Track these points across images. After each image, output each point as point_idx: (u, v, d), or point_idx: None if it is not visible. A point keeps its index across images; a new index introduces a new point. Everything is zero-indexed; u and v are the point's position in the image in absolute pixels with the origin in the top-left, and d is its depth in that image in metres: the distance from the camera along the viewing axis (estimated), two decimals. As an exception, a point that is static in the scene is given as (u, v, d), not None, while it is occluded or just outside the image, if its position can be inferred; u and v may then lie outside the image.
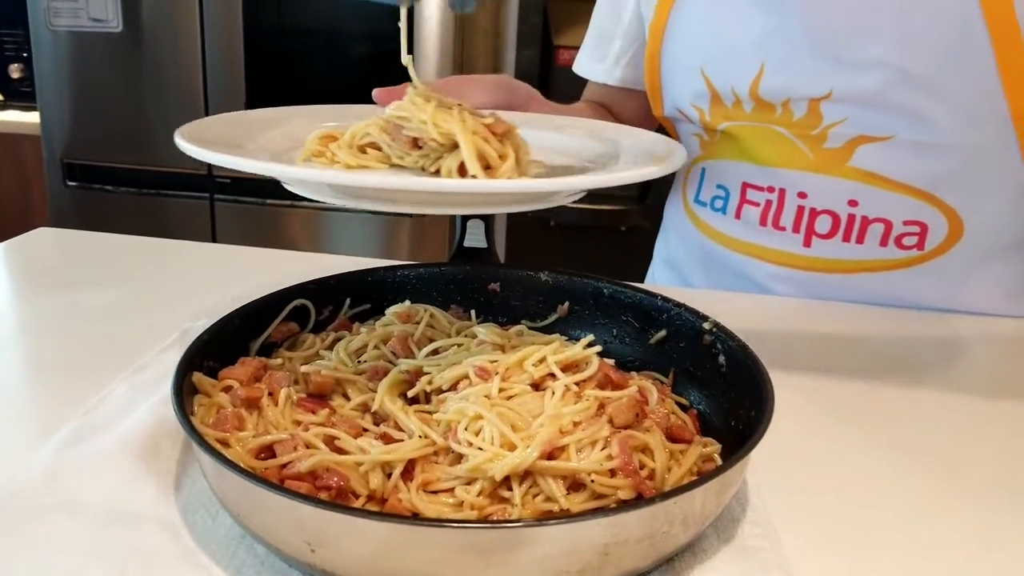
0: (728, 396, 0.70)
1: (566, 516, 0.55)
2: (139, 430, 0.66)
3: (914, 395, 0.84)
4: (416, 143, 0.68)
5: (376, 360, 0.71)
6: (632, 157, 0.77)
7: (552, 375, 0.66)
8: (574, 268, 0.83)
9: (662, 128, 1.26)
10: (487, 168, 0.66)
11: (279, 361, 0.73)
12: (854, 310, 1.05)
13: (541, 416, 0.60)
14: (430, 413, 0.64)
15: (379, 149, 0.71)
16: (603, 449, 0.59)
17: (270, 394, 0.66)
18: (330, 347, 0.75)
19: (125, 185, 2.71)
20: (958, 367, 0.94)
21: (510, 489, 0.57)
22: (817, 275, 1.08)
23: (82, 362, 0.83)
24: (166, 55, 2.54)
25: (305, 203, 2.60)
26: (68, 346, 0.87)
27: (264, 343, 0.75)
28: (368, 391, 0.67)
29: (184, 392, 0.61)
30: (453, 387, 0.65)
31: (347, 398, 0.68)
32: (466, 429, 0.59)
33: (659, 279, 1.31)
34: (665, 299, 0.78)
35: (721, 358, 0.71)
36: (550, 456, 0.57)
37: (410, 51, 0.74)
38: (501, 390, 0.63)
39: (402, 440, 0.61)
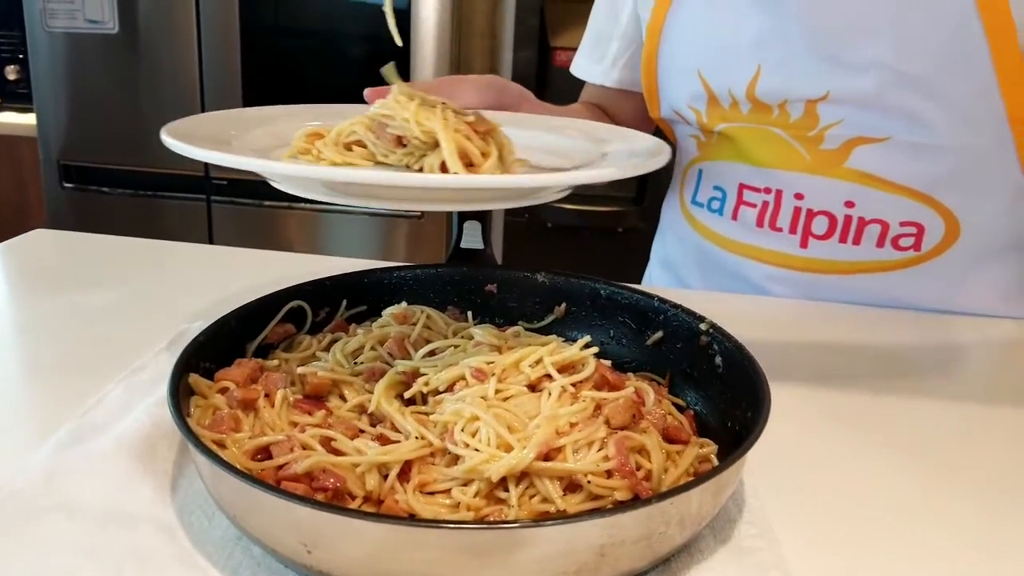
0: (725, 397, 0.70)
1: (562, 517, 0.55)
2: (136, 431, 0.66)
3: (911, 396, 0.84)
4: (400, 141, 0.68)
5: (373, 361, 0.71)
6: (619, 157, 0.77)
7: (549, 376, 0.66)
8: (571, 269, 0.83)
9: (659, 130, 1.27)
10: (470, 165, 0.66)
11: (275, 362, 0.73)
12: (851, 311, 1.05)
13: (537, 417, 0.60)
14: (427, 414, 0.64)
15: (365, 147, 0.71)
16: (600, 450, 0.59)
17: (266, 395, 0.66)
18: (327, 348, 0.75)
19: (122, 186, 2.71)
20: (956, 368, 0.94)
21: (506, 490, 0.57)
22: (814, 276, 1.08)
23: (79, 363, 0.83)
24: (162, 56, 2.54)
25: (302, 205, 2.61)
26: (65, 347, 0.87)
27: (260, 344, 0.75)
28: (365, 392, 0.67)
29: (180, 393, 0.61)
30: (450, 388, 0.65)
31: (344, 399, 0.68)
32: (463, 430, 0.59)
33: (656, 280, 1.31)
34: (662, 300, 0.78)
35: (718, 359, 0.71)
36: (546, 457, 0.57)
37: (402, 44, 0.74)
38: (498, 391, 0.63)
39: (399, 441, 0.61)
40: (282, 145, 0.75)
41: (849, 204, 1.03)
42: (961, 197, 1.00)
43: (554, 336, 0.73)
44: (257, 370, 0.69)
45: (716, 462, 0.63)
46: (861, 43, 0.96)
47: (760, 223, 1.10)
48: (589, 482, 0.57)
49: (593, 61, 1.28)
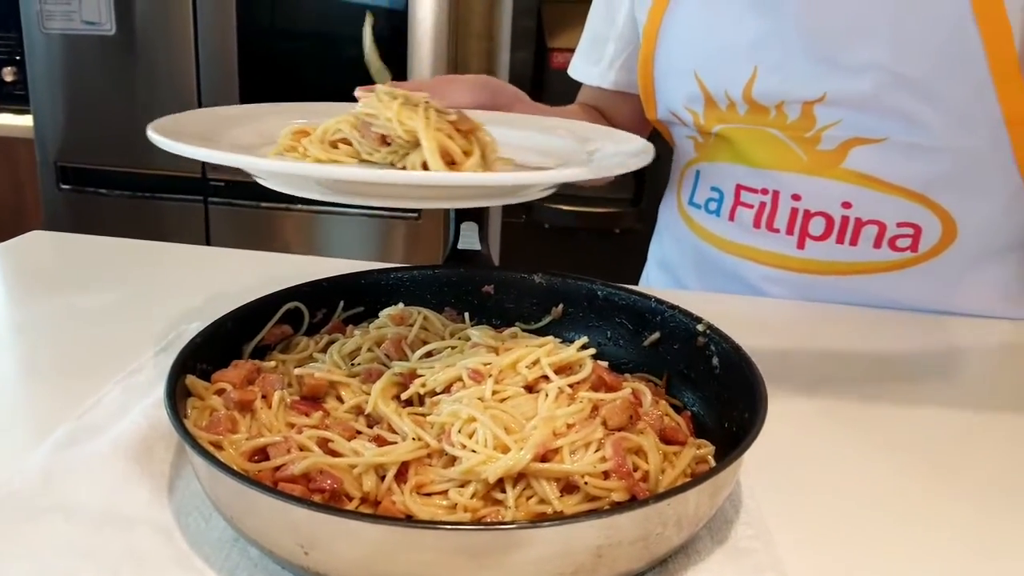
0: (722, 398, 0.70)
1: (560, 518, 0.55)
2: (133, 433, 0.66)
3: (909, 397, 0.84)
4: (384, 140, 0.69)
5: (370, 362, 0.71)
6: (604, 158, 0.78)
7: (546, 377, 0.66)
8: (568, 270, 0.83)
9: (656, 131, 1.27)
10: (452, 164, 0.67)
11: (272, 364, 0.73)
12: (848, 312, 1.05)
13: (534, 418, 0.60)
14: (424, 415, 0.64)
15: (351, 145, 0.71)
16: (597, 451, 0.59)
17: (263, 397, 0.66)
18: (324, 350, 0.75)
19: (119, 188, 2.71)
20: (953, 369, 0.94)
21: (504, 491, 0.57)
22: (811, 277, 1.08)
23: (76, 365, 0.83)
24: (159, 58, 2.54)
25: (299, 206, 2.61)
26: (62, 349, 0.87)
27: (257, 346, 0.75)
28: (362, 393, 0.67)
29: (177, 395, 0.61)
30: (447, 389, 0.65)
31: (341, 400, 0.68)
32: (460, 431, 0.59)
33: (653, 281, 1.31)
34: (659, 301, 0.78)
35: (715, 360, 0.71)
36: (543, 458, 0.57)
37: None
38: (495, 392, 0.63)
39: (396, 442, 0.61)
40: (269, 143, 0.75)
41: (846, 205, 1.04)
42: (958, 198, 1.00)
43: (551, 337, 0.73)
44: (254, 371, 0.69)
45: (713, 463, 0.63)
46: (858, 45, 0.96)
47: (757, 224, 1.10)
48: (586, 483, 0.57)
49: (590, 63, 1.28)
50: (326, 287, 0.81)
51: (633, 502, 0.55)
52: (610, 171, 0.69)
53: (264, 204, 2.63)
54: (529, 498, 0.57)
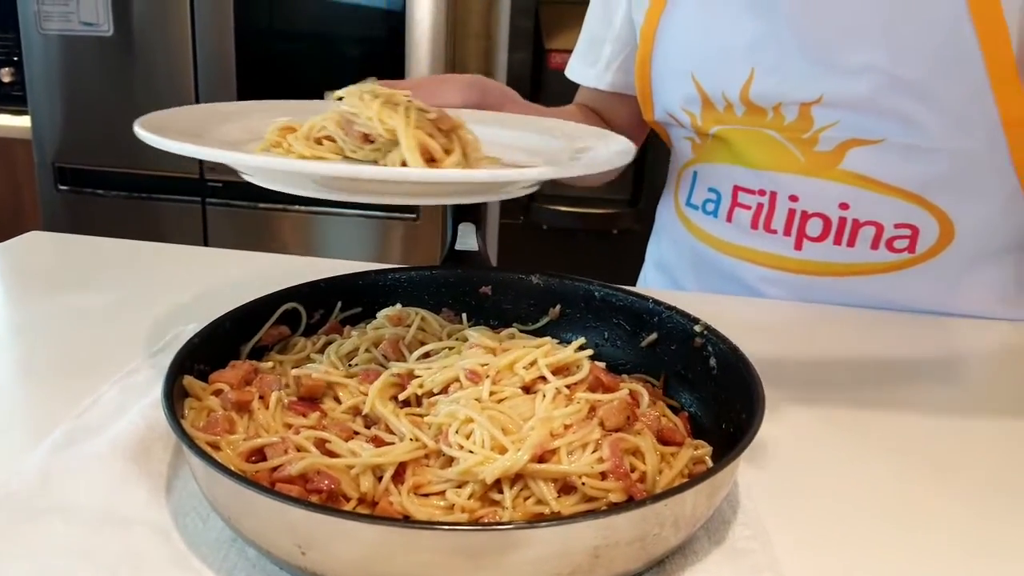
0: (719, 399, 0.70)
1: (557, 518, 0.55)
2: (131, 433, 0.66)
3: (906, 398, 0.84)
4: (367, 138, 0.70)
5: (367, 363, 0.71)
6: (588, 157, 0.78)
7: (543, 378, 0.66)
8: (566, 271, 0.83)
9: (654, 132, 1.27)
10: (432, 161, 0.67)
11: (270, 364, 0.73)
12: (845, 313, 1.05)
13: (532, 419, 0.60)
14: (421, 416, 0.64)
15: (335, 142, 0.72)
16: (594, 452, 0.59)
17: (261, 397, 0.66)
18: (321, 350, 0.75)
19: (117, 189, 2.71)
20: (952, 370, 0.94)
21: (501, 492, 0.57)
22: (808, 278, 1.09)
23: (74, 365, 0.83)
24: (157, 59, 2.54)
25: (297, 207, 2.61)
26: (60, 349, 0.87)
27: (255, 346, 0.75)
28: (359, 394, 0.67)
29: (175, 395, 0.61)
30: (444, 390, 0.65)
31: (338, 401, 0.67)
32: (457, 432, 0.59)
33: (651, 282, 1.31)
34: (656, 302, 0.78)
35: (712, 361, 0.71)
36: (541, 459, 0.57)
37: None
38: (492, 393, 0.63)
39: (393, 443, 0.61)
40: (256, 139, 0.76)
41: (843, 206, 1.04)
42: (955, 199, 1.01)
43: (548, 338, 0.73)
44: (251, 372, 0.69)
45: (710, 464, 0.63)
46: (854, 47, 0.96)
47: (755, 225, 1.10)
48: (583, 484, 0.57)
49: (587, 64, 1.28)
50: (324, 288, 0.81)
51: (630, 503, 0.55)
52: (586, 170, 0.70)
53: (262, 205, 2.63)
54: (526, 499, 0.57)
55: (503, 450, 0.57)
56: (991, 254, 1.05)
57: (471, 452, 0.58)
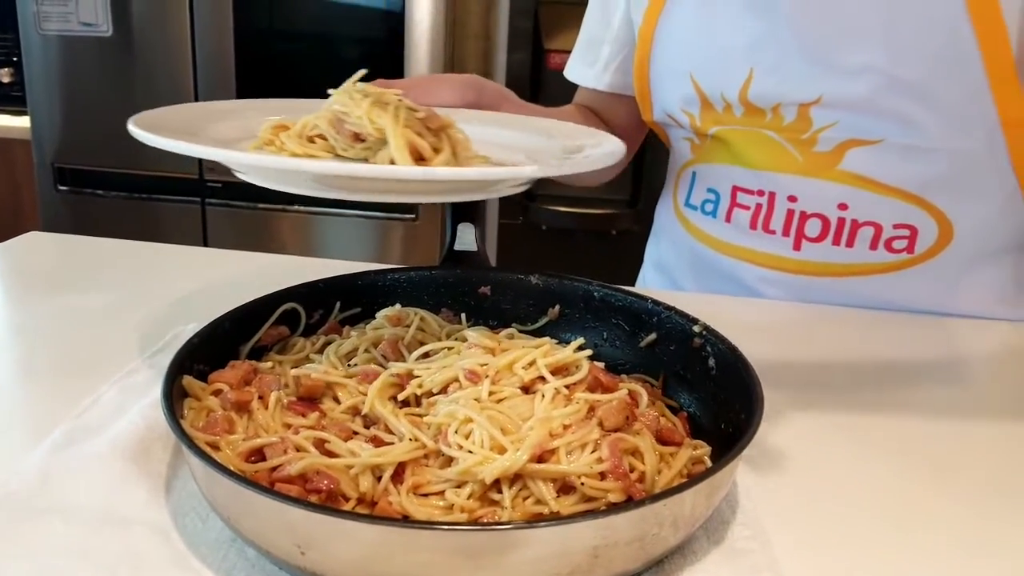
0: (718, 399, 0.70)
1: (556, 518, 0.55)
2: (130, 433, 0.66)
3: (905, 398, 0.84)
4: (358, 136, 0.71)
5: (366, 363, 0.71)
6: (578, 157, 0.78)
7: (542, 378, 0.66)
8: (565, 271, 0.83)
9: (652, 133, 1.27)
10: (421, 160, 0.68)
11: (269, 365, 0.73)
12: (844, 313, 1.05)
13: (531, 419, 0.60)
14: (420, 416, 0.64)
15: (327, 140, 0.73)
16: (593, 452, 0.59)
17: (260, 397, 0.66)
18: (320, 350, 0.75)
19: (116, 189, 2.70)
20: (951, 370, 0.94)
21: (500, 492, 0.57)
22: (807, 278, 1.09)
23: (74, 365, 0.83)
24: (156, 59, 2.54)
25: (296, 207, 2.61)
26: (60, 349, 0.87)
27: (254, 347, 0.75)
28: (358, 394, 0.67)
29: (174, 396, 0.61)
30: (443, 390, 0.65)
31: (337, 401, 0.68)
32: (456, 432, 0.59)
33: (650, 283, 1.31)
34: (655, 302, 0.78)
35: (711, 361, 0.71)
36: (540, 459, 0.57)
37: None
38: (491, 393, 0.63)
39: (392, 443, 0.61)
40: (249, 137, 0.76)
41: (842, 206, 1.04)
42: (954, 199, 1.01)
43: (548, 338, 0.73)
44: (251, 372, 0.69)
45: (709, 464, 0.64)
46: (853, 48, 0.96)
47: (753, 225, 1.10)
48: (583, 484, 0.57)
49: (585, 65, 1.28)
50: (323, 288, 0.81)
51: (629, 503, 0.55)
52: (575, 169, 0.71)
53: (261, 205, 2.63)
54: (525, 499, 0.57)
55: (502, 450, 0.57)
56: (990, 254, 1.05)
57: (470, 452, 0.58)
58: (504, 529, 0.51)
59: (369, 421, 0.65)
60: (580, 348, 0.69)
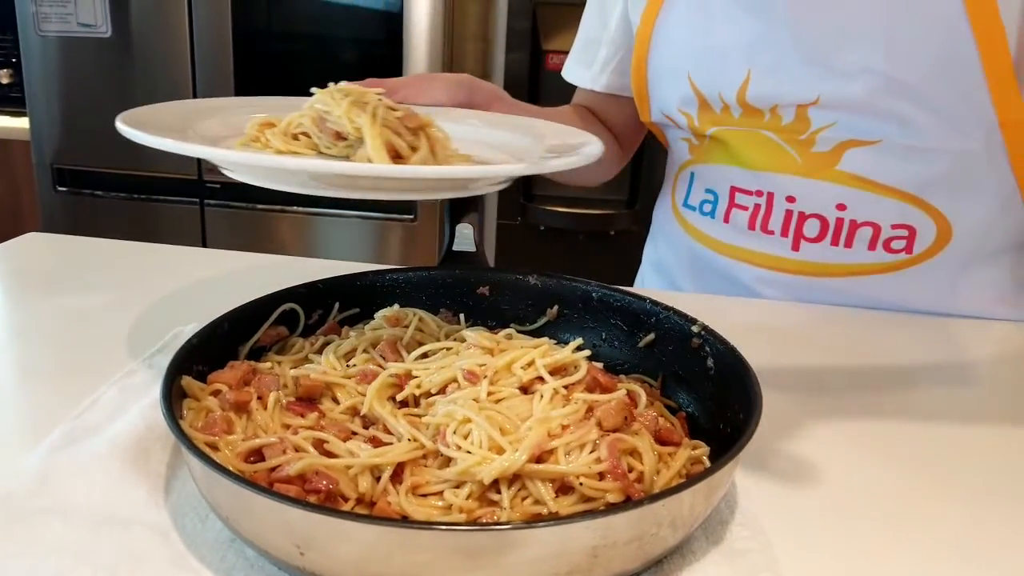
0: (717, 399, 0.70)
1: (555, 519, 0.55)
2: (129, 433, 0.66)
3: (904, 398, 0.85)
4: (339, 135, 0.72)
5: (365, 364, 0.71)
6: (563, 155, 0.79)
7: (541, 378, 0.66)
8: (563, 272, 0.83)
9: (651, 133, 1.27)
10: (398, 158, 0.70)
11: (268, 365, 0.73)
12: (843, 314, 1.05)
13: (530, 419, 0.60)
14: (419, 416, 0.64)
15: (311, 138, 0.75)
16: (592, 452, 0.59)
17: (259, 398, 0.66)
18: (319, 351, 0.75)
19: (115, 190, 2.71)
20: (949, 371, 0.94)
21: (499, 492, 0.57)
22: (805, 279, 1.09)
23: (73, 366, 0.83)
24: (155, 60, 2.54)
25: (295, 208, 2.61)
26: (59, 350, 0.87)
27: (253, 347, 0.75)
28: (357, 395, 0.67)
29: (173, 396, 0.61)
30: (442, 390, 0.65)
31: (336, 402, 0.68)
32: (455, 432, 0.59)
33: (648, 283, 1.31)
34: (654, 302, 0.78)
35: (710, 361, 0.71)
36: (539, 459, 0.57)
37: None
38: (490, 393, 0.63)
39: (391, 443, 0.61)
40: (236, 134, 0.78)
41: (841, 207, 1.04)
42: (952, 200, 1.01)
43: (546, 338, 0.73)
44: (250, 372, 0.69)
45: (708, 464, 0.64)
46: (850, 48, 0.96)
47: (752, 226, 1.10)
48: (581, 484, 0.57)
49: (583, 66, 1.28)
50: (322, 289, 0.81)
51: (628, 503, 0.56)
52: (554, 168, 0.75)
53: (260, 206, 2.63)
54: (524, 499, 0.57)
55: (501, 450, 0.57)
56: (989, 255, 1.05)
57: (469, 452, 0.58)
58: (503, 529, 0.51)
59: (368, 421, 0.65)
60: (579, 348, 0.69)
